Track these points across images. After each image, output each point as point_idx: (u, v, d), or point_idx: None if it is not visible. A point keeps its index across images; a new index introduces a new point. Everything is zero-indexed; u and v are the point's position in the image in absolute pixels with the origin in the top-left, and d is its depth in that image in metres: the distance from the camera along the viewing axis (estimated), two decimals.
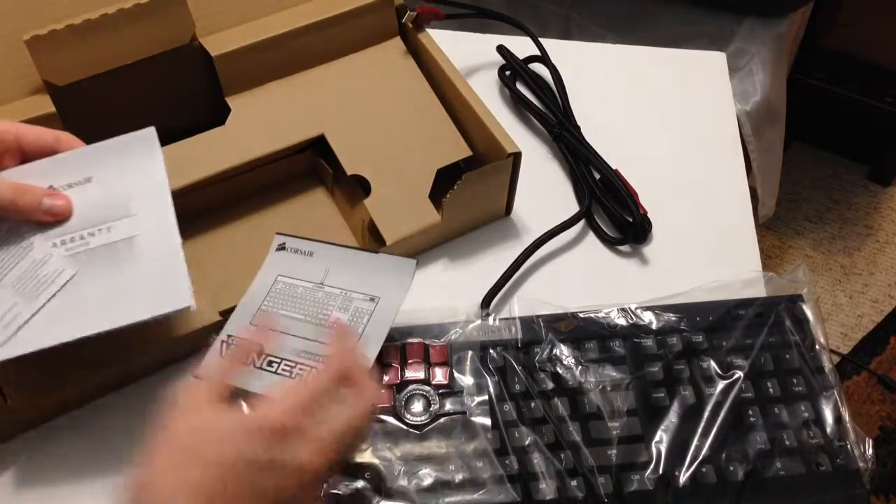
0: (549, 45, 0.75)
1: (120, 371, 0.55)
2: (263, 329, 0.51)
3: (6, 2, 0.56)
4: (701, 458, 0.52)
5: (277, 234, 0.57)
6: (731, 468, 0.52)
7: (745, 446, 0.53)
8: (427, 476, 0.50)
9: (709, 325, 0.57)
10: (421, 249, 0.63)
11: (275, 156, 0.61)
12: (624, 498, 0.51)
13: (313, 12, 0.63)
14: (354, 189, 0.62)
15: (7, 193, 0.46)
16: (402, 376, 0.54)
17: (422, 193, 0.60)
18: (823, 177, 1.63)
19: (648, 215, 0.65)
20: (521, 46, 0.75)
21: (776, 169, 1.16)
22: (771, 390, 0.55)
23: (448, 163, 0.62)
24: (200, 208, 0.62)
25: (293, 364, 0.52)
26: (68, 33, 0.54)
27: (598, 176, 0.67)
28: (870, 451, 0.53)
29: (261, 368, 0.52)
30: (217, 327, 0.54)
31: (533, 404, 0.53)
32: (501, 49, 0.75)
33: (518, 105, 0.74)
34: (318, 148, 0.63)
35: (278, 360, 0.52)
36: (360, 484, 0.50)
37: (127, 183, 0.49)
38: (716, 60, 0.78)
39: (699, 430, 0.53)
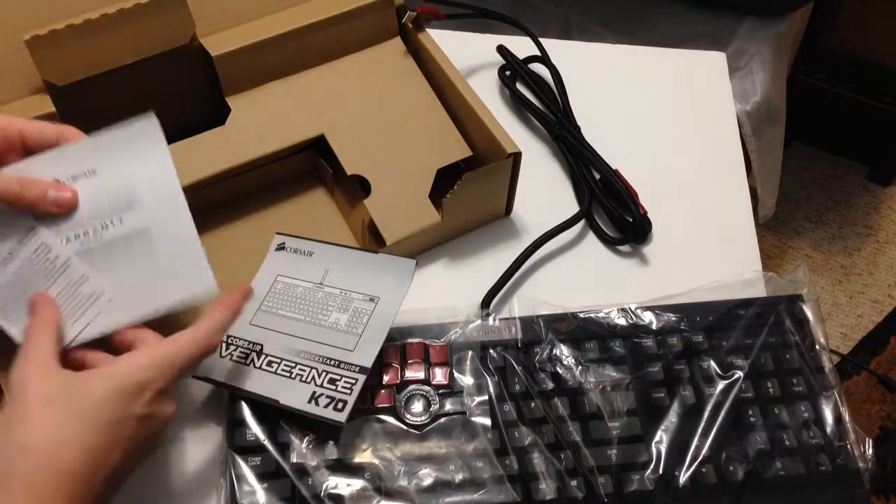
0: (549, 45, 0.75)
1: None
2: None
3: (6, 2, 0.56)
4: (701, 458, 0.52)
5: (277, 233, 0.57)
6: (731, 468, 0.52)
7: (745, 446, 0.53)
8: (427, 476, 0.50)
9: (709, 325, 0.57)
10: (421, 249, 0.63)
11: (275, 156, 0.61)
12: (624, 498, 0.51)
13: (313, 12, 0.63)
14: (354, 189, 0.62)
15: (13, 187, 0.46)
16: (402, 376, 0.54)
17: (422, 193, 0.60)
18: (823, 177, 1.63)
19: (648, 215, 0.65)
20: (521, 46, 0.75)
21: (776, 169, 1.16)
22: (771, 390, 0.55)
23: (448, 163, 0.62)
24: (200, 208, 0.62)
25: (293, 364, 0.52)
26: (68, 33, 0.54)
27: (598, 176, 0.67)
28: (870, 451, 0.53)
29: (260, 368, 0.52)
30: None
31: (533, 404, 0.53)
32: (501, 49, 0.75)
33: (518, 105, 0.74)
34: (318, 148, 0.63)
35: (278, 361, 0.52)
36: (360, 484, 0.50)
37: (133, 172, 0.49)
38: (716, 60, 0.78)
39: (699, 430, 0.53)
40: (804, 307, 0.59)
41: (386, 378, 0.54)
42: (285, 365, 0.52)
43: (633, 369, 0.55)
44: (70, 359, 0.46)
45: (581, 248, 0.65)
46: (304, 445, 0.51)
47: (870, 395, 1.37)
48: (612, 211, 0.65)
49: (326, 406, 0.50)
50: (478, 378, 0.54)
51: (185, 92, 0.63)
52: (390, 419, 0.52)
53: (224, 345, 0.53)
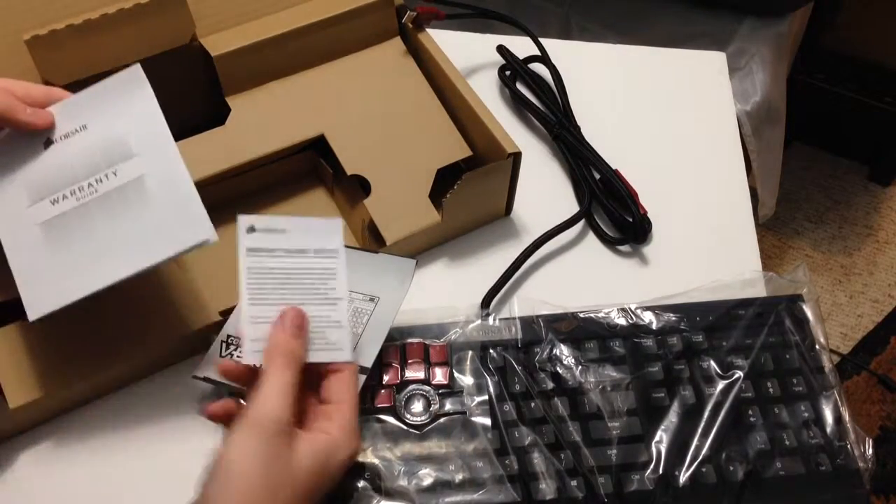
0: (549, 45, 0.75)
1: (120, 371, 0.55)
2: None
3: (6, 2, 0.56)
4: (701, 458, 0.52)
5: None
6: (731, 468, 0.52)
7: (745, 446, 0.53)
8: (427, 476, 0.50)
9: (709, 325, 0.57)
10: (421, 249, 0.63)
11: (275, 156, 0.61)
12: (624, 498, 0.51)
13: (313, 12, 0.63)
14: (354, 189, 0.62)
15: None
16: (402, 376, 0.54)
17: (422, 193, 0.60)
18: (823, 177, 1.63)
19: (648, 215, 0.65)
20: (521, 46, 0.75)
21: (776, 169, 1.16)
22: (771, 390, 0.55)
23: (448, 163, 0.62)
24: None
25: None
26: (68, 33, 0.54)
27: (598, 176, 0.67)
28: (870, 451, 0.53)
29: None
30: (217, 327, 0.54)
31: (533, 404, 0.53)
32: (501, 49, 0.75)
33: (518, 105, 0.74)
34: (318, 148, 0.63)
35: None
36: (360, 484, 0.50)
37: (123, 124, 0.48)
38: (716, 60, 0.78)
39: (699, 430, 0.53)
40: (804, 307, 0.58)
41: (386, 378, 0.54)
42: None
43: (633, 369, 0.55)
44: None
45: (581, 248, 0.65)
46: None
47: (870, 395, 1.37)
48: (612, 211, 0.65)
49: None
50: (478, 378, 0.54)
51: (185, 92, 0.63)
52: (390, 419, 0.52)
53: (224, 344, 0.53)
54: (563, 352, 0.55)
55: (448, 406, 0.53)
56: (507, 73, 0.75)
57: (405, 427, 0.52)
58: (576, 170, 0.68)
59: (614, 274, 0.64)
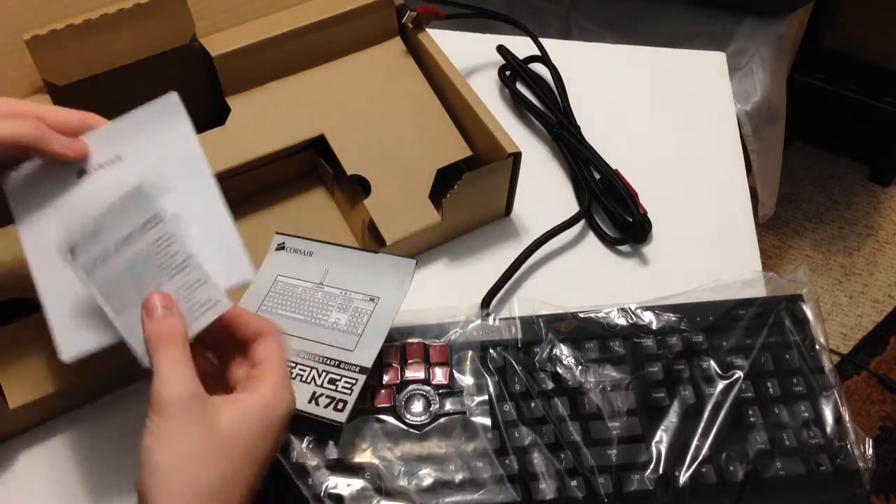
0: (549, 45, 0.75)
1: (120, 371, 0.55)
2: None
3: (6, 2, 0.56)
4: (701, 458, 0.52)
5: (277, 233, 0.57)
6: (731, 468, 0.52)
7: (745, 446, 0.53)
8: (427, 476, 0.50)
9: (709, 325, 0.57)
10: (421, 249, 0.63)
11: (275, 156, 0.61)
12: (624, 498, 0.51)
13: (313, 12, 0.63)
14: (354, 189, 0.62)
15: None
16: (402, 376, 0.54)
17: (422, 193, 0.60)
18: (823, 177, 1.63)
19: (648, 215, 0.65)
20: (521, 46, 0.75)
21: (776, 169, 1.16)
22: (771, 390, 0.55)
23: (448, 163, 0.62)
24: None
25: (293, 364, 0.52)
26: (68, 33, 0.54)
27: (598, 176, 0.67)
28: (870, 451, 0.53)
29: None
30: None
31: (533, 404, 0.53)
32: (501, 49, 0.75)
33: (518, 105, 0.74)
34: (318, 148, 0.63)
35: None
36: (360, 484, 0.50)
37: (159, 156, 0.46)
38: (716, 60, 0.78)
39: (699, 430, 0.53)
40: (804, 307, 0.58)
41: (386, 378, 0.54)
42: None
43: (633, 369, 0.55)
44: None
45: (581, 248, 0.65)
46: (304, 445, 0.51)
47: (870, 395, 1.37)
48: (612, 211, 0.65)
49: (327, 406, 0.49)
50: (478, 378, 0.54)
51: (185, 92, 0.62)
52: (390, 419, 0.52)
53: None
54: (563, 352, 0.55)
55: (448, 406, 0.53)
56: (507, 73, 0.75)
57: (405, 427, 0.52)
58: (576, 170, 0.68)
59: (614, 274, 0.64)
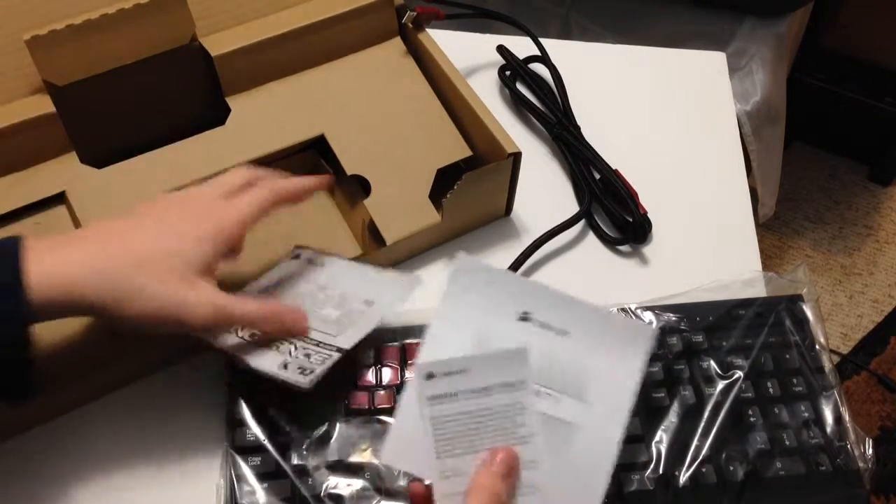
0: (549, 45, 0.75)
1: (120, 371, 0.55)
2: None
3: (6, 2, 0.56)
4: (701, 458, 0.52)
5: (295, 246, 0.57)
6: (731, 468, 0.52)
7: (745, 446, 0.53)
8: None
9: (709, 325, 0.57)
10: (421, 249, 0.63)
11: (275, 156, 0.61)
12: (624, 498, 0.51)
13: (313, 12, 0.63)
14: (354, 189, 0.62)
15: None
16: (402, 377, 0.54)
17: (422, 193, 0.60)
18: (823, 177, 1.63)
19: (648, 215, 0.65)
20: (521, 46, 0.75)
21: (776, 169, 1.16)
22: (771, 390, 0.55)
23: (448, 163, 0.62)
24: None
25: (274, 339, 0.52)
26: (68, 33, 0.54)
27: (598, 176, 0.67)
28: (870, 451, 0.53)
29: (241, 337, 0.52)
30: None
31: None
32: (501, 49, 0.75)
33: (518, 105, 0.74)
34: (318, 148, 0.63)
35: (259, 332, 0.52)
36: (360, 484, 0.50)
37: (600, 363, 0.45)
38: (716, 60, 0.78)
39: (699, 430, 0.53)
40: (804, 307, 0.58)
41: (386, 379, 0.54)
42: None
43: None
44: None
45: (581, 248, 0.65)
46: (304, 445, 0.51)
47: (870, 395, 1.37)
48: (612, 211, 0.65)
49: (294, 371, 0.49)
50: None
51: (185, 92, 0.63)
52: (390, 420, 0.52)
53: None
54: None
55: None
56: (507, 73, 0.75)
57: None
58: (576, 170, 0.68)
59: (614, 274, 0.64)
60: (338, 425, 0.52)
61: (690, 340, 0.56)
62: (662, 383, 0.55)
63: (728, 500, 0.51)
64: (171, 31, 0.58)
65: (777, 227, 1.56)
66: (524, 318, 0.45)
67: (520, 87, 0.74)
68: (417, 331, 0.56)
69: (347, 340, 0.51)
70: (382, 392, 0.53)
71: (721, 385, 0.55)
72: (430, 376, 0.43)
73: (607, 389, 0.44)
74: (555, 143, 0.70)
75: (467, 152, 0.62)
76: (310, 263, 0.56)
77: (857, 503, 0.52)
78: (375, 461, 0.51)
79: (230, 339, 0.50)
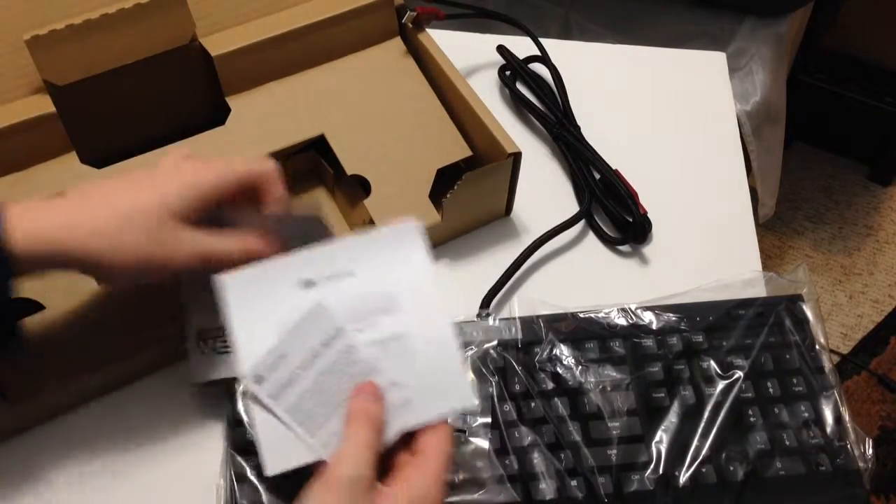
0: (549, 45, 0.75)
1: (120, 371, 0.55)
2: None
3: (6, 2, 0.56)
4: (701, 458, 0.52)
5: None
6: (731, 468, 0.52)
7: (745, 446, 0.53)
8: None
9: (709, 325, 0.57)
10: None
11: (275, 156, 0.61)
12: (624, 498, 0.51)
13: (313, 12, 0.63)
14: (354, 189, 0.62)
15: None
16: None
17: (422, 193, 0.60)
18: (823, 177, 1.63)
19: (648, 215, 0.65)
20: (521, 46, 0.75)
21: (776, 169, 1.16)
22: (771, 390, 0.55)
23: (448, 163, 0.62)
24: None
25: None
26: (68, 33, 0.54)
27: (598, 176, 0.67)
28: (870, 451, 0.53)
29: (216, 352, 0.52)
30: None
31: (533, 404, 0.53)
32: (501, 49, 0.75)
33: (518, 105, 0.74)
34: (319, 148, 0.63)
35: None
36: None
37: (391, 277, 0.46)
38: (716, 60, 0.78)
39: (699, 430, 0.53)
40: (804, 307, 0.58)
41: None
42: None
43: (633, 369, 0.55)
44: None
45: (581, 248, 0.65)
46: None
47: (870, 395, 1.37)
48: (612, 211, 0.65)
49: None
50: (483, 400, 0.53)
51: (185, 92, 0.63)
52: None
53: (200, 342, 0.52)
54: (563, 352, 0.55)
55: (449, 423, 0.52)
56: (507, 73, 0.75)
57: None
58: (576, 170, 0.68)
59: (614, 274, 0.64)
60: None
61: (690, 340, 0.56)
62: (662, 383, 0.55)
63: (728, 500, 0.51)
64: (171, 31, 0.58)
65: (777, 227, 1.56)
66: (308, 284, 0.46)
67: (520, 87, 0.74)
68: None
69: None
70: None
71: (721, 385, 0.55)
72: (259, 379, 0.44)
73: (410, 288, 0.46)
74: (555, 143, 0.70)
75: (467, 152, 0.62)
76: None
77: (857, 503, 0.52)
78: None
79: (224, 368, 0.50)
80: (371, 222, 0.59)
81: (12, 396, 0.51)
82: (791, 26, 1.08)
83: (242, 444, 0.51)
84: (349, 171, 0.60)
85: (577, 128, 0.70)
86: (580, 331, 0.56)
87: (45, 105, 0.56)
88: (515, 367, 0.54)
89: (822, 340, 0.57)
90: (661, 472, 0.52)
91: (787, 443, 0.53)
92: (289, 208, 0.50)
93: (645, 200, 0.65)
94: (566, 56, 0.75)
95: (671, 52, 0.79)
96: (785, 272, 0.60)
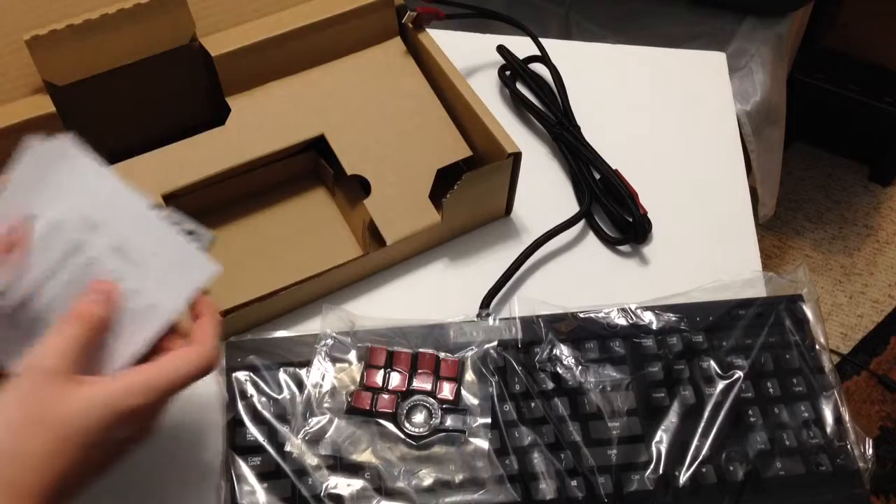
0: (549, 45, 0.75)
1: None
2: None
3: (6, 2, 0.56)
4: (701, 458, 0.52)
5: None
6: (731, 468, 0.52)
7: (745, 446, 0.53)
8: (427, 476, 0.50)
9: (709, 325, 0.57)
10: (421, 249, 0.63)
11: (275, 156, 0.61)
12: (624, 498, 0.51)
13: (313, 12, 0.63)
14: (355, 189, 0.62)
15: None
16: (409, 385, 0.53)
17: (422, 193, 0.60)
18: (823, 177, 1.63)
19: (648, 215, 0.65)
20: (521, 46, 0.75)
21: (776, 169, 1.16)
22: (771, 390, 0.55)
23: (448, 163, 0.62)
24: (200, 209, 0.62)
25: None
26: (68, 33, 0.54)
27: (598, 176, 0.67)
28: (870, 451, 0.53)
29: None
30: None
31: (533, 404, 0.53)
32: (501, 49, 0.75)
33: (518, 105, 0.74)
34: (319, 148, 0.63)
35: None
36: (360, 484, 0.50)
37: (75, 199, 0.45)
38: (716, 60, 0.78)
39: (699, 430, 0.53)
40: (804, 307, 0.58)
41: (393, 384, 0.53)
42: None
43: (633, 369, 0.55)
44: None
45: (581, 248, 0.65)
46: (300, 434, 0.51)
47: (870, 395, 1.37)
48: (612, 211, 0.65)
49: None
50: (484, 400, 0.53)
51: (185, 92, 0.63)
52: (390, 426, 0.52)
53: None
54: (563, 352, 0.55)
55: (449, 422, 0.52)
56: (507, 73, 0.75)
57: (403, 437, 0.52)
58: (576, 170, 0.68)
59: (614, 274, 0.64)
60: (336, 420, 0.52)
61: (690, 340, 0.56)
62: (662, 383, 0.55)
63: (728, 500, 0.51)
64: (171, 31, 0.58)
65: (777, 227, 1.56)
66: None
67: (520, 87, 0.74)
68: (431, 339, 0.55)
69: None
70: (386, 396, 0.53)
71: (721, 385, 0.55)
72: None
73: (98, 199, 0.45)
74: (555, 143, 0.70)
75: (467, 152, 0.62)
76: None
77: (857, 503, 0.52)
78: (375, 461, 0.51)
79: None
80: (371, 222, 0.60)
81: None
82: (791, 26, 1.08)
83: (242, 444, 0.51)
84: (349, 171, 0.60)
85: (577, 128, 0.70)
86: (580, 331, 0.56)
87: (45, 105, 0.56)
88: (515, 367, 0.54)
89: (822, 340, 0.57)
90: (661, 472, 0.52)
91: (787, 443, 0.53)
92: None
93: (645, 200, 0.65)
94: (566, 56, 0.75)
95: (671, 52, 0.79)
96: (785, 272, 0.60)
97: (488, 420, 0.52)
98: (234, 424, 0.52)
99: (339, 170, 0.61)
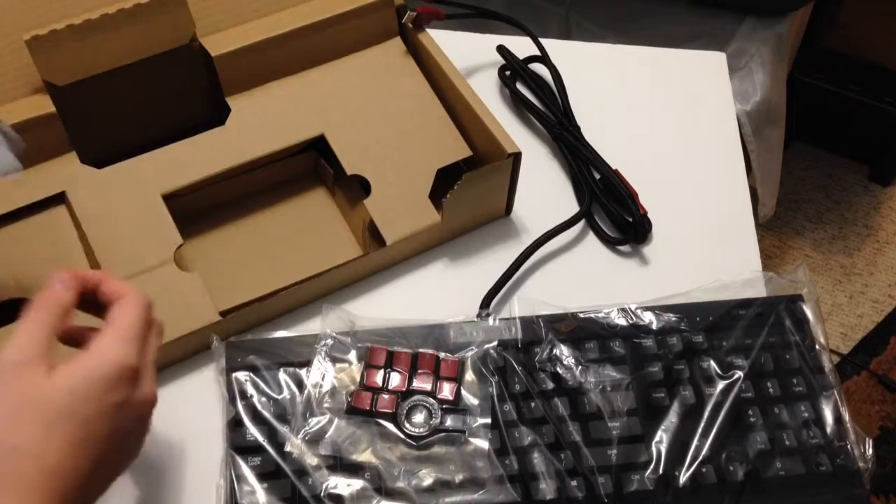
0: (549, 45, 0.75)
1: None
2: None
3: (6, 2, 0.56)
4: (701, 458, 0.52)
5: None
6: (731, 468, 0.52)
7: (745, 446, 0.53)
8: (427, 476, 0.50)
9: (709, 325, 0.57)
10: (421, 249, 0.63)
11: (275, 156, 0.61)
12: (624, 498, 0.51)
13: (313, 12, 0.63)
14: (354, 189, 0.62)
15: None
16: (409, 385, 0.53)
17: (422, 193, 0.60)
18: (823, 177, 1.63)
19: (648, 215, 0.65)
20: (521, 46, 0.75)
21: (776, 169, 1.16)
22: (771, 390, 0.55)
23: (448, 163, 0.62)
24: (200, 208, 0.62)
25: None
26: (68, 33, 0.54)
27: (598, 176, 0.67)
28: (870, 451, 0.53)
29: None
30: (217, 328, 0.54)
31: (533, 404, 0.53)
32: (501, 49, 0.75)
33: (518, 105, 0.74)
34: (319, 148, 0.63)
35: None
36: (360, 484, 0.50)
37: None
38: (716, 60, 0.78)
39: (699, 430, 0.53)
40: (804, 307, 0.59)
41: (393, 384, 0.53)
42: None
43: (633, 369, 0.55)
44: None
45: (581, 248, 0.65)
46: (299, 434, 0.51)
47: (870, 395, 1.37)
48: (612, 211, 0.65)
49: None
50: (484, 400, 0.53)
51: (185, 92, 0.63)
52: (389, 426, 0.52)
53: None
54: (563, 352, 0.55)
55: (449, 423, 0.52)
56: (507, 73, 0.75)
57: (402, 437, 0.52)
58: (576, 170, 0.68)
59: (614, 274, 0.64)
60: (336, 420, 0.52)
61: (690, 340, 0.56)
62: (662, 383, 0.55)
63: (728, 500, 0.51)
64: (171, 31, 0.58)
65: (777, 227, 1.56)
66: None
67: (520, 87, 0.74)
68: (431, 339, 0.55)
69: None
70: (386, 396, 0.53)
71: (721, 385, 0.55)
72: None
73: None
74: (555, 143, 0.70)
75: (467, 152, 0.62)
76: None
77: (857, 503, 0.52)
78: (375, 461, 0.51)
79: None
80: (371, 222, 0.60)
81: None
82: (791, 26, 1.08)
83: (242, 444, 0.51)
84: (349, 171, 0.60)
85: (577, 128, 0.70)
86: (580, 331, 0.56)
87: (45, 105, 0.56)
88: (515, 367, 0.54)
89: (822, 340, 0.57)
90: (661, 472, 0.52)
91: (787, 443, 0.53)
92: None
93: (645, 200, 0.65)
94: (566, 56, 0.75)
95: (671, 52, 0.79)
96: (785, 272, 0.60)
97: (488, 420, 0.52)
98: (234, 424, 0.52)
99: (339, 170, 0.61)
